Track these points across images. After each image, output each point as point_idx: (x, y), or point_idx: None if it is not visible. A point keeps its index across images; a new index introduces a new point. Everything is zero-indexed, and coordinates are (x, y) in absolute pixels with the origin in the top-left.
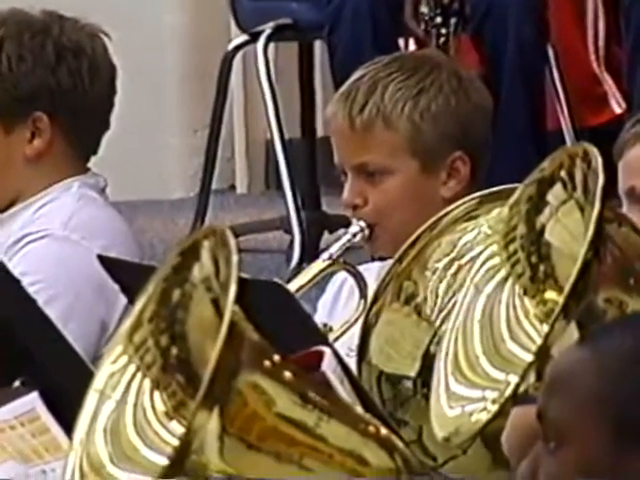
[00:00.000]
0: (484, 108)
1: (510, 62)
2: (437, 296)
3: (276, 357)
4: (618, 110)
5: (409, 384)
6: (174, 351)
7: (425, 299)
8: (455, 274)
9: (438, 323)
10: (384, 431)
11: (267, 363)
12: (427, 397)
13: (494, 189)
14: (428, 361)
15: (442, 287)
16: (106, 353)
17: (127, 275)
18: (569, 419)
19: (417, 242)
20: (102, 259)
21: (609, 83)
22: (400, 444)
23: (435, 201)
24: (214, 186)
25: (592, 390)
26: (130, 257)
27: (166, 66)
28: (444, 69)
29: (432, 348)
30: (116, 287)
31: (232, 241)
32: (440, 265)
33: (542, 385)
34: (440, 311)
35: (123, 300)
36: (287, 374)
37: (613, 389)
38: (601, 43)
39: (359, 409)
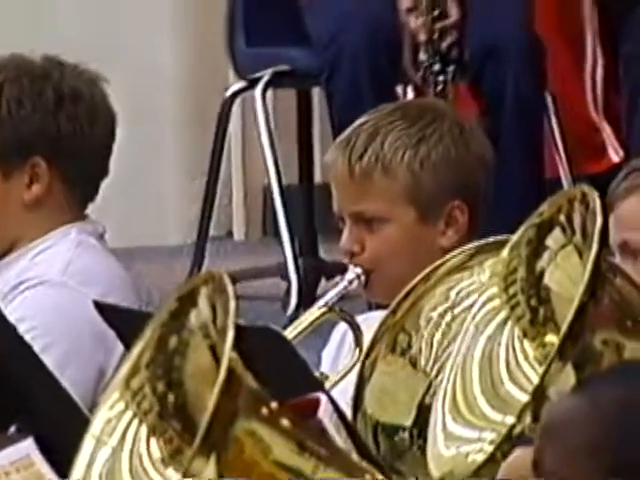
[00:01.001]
0: (484, 159)
1: (508, 110)
2: (432, 347)
3: (273, 404)
4: (616, 159)
5: (405, 435)
6: (171, 398)
7: (420, 350)
8: (450, 323)
9: (433, 374)
10: (380, 477)
11: (264, 410)
12: (423, 449)
13: (490, 240)
14: (423, 412)
15: (437, 337)
16: (103, 399)
17: (123, 322)
18: (564, 467)
19: (411, 293)
20: (98, 305)
21: (607, 131)
22: None
23: (433, 250)
24: (212, 233)
25: (586, 438)
26: (128, 304)
27: (164, 112)
28: (447, 119)
29: (427, 399)
30: (112, 334)
31: (230, 287)
32: (435, 315)
33: (537, 432)
34: (435, 362)
35: (121, 346)
36: (284, 421)
37: (606, 436)
38: (599, 91)
39: (355, 457)
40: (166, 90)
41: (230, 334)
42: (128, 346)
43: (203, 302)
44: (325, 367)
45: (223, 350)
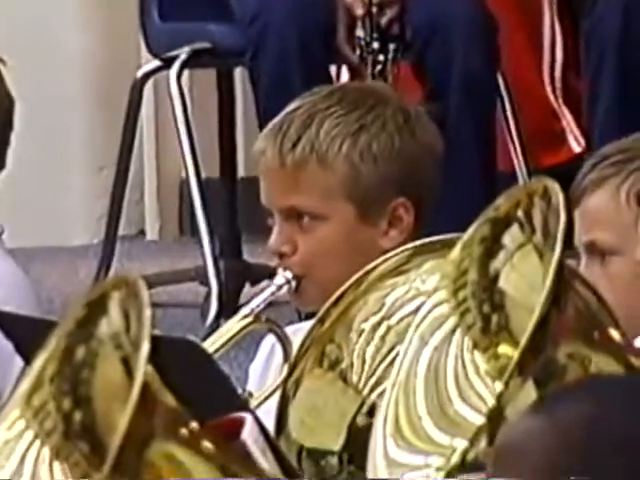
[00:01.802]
0: (433, 149)
1: (456, 93)
2: (364, 361)
3: (193, 424)
4: (577, 149)
5: (333, 460)
6: (78, 416)
7: (351, 364)
8: (384, 336)
9: (366, 391)
10: None
11: (183, 431)
12: (353, 474)
13: (428, 240)
14: (355, 434)
15: (370, 351)
16: (1, 418)
17: (23, 332)
18: None
19: (341, 300)
20: None
21: (567, 118)
22: None
23: (373, 252)
24: (121, 232)
25: (545, 462)
26: (29, 311)
27: (67, 95)
28: (390, 104)
29: (359, 419)
30: (9, 348)
31: (144, 293)
32: (367, 326)
33: (491, 454)
34: (368, 378)
35: (19, 362)
36: (206, 444)
37: (569, 460)
38: (558, 73)
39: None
40: (69, 70)
41: (145, 345)
42: (28, 359)
43: (114, 309)
44: (253, 384)
45: (137, 363)
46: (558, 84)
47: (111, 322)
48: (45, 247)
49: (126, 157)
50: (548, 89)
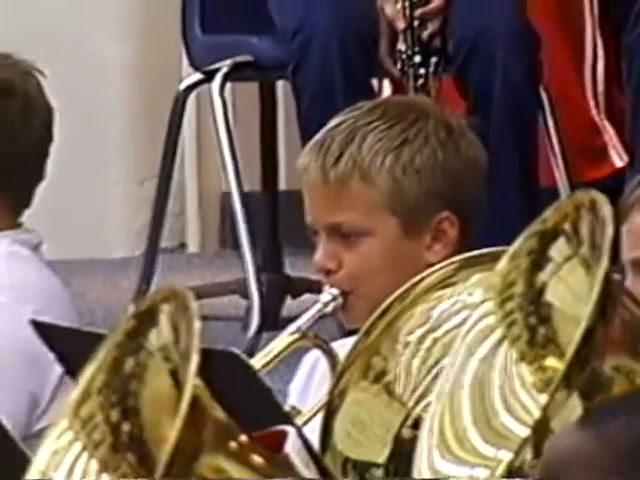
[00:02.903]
0: (476, 163)
1: (498, 107)
2: (410, 373)
3: (243, 438)
4: (619, 163)
5: (378, 472)
6: (126, 427)
7: (396, 377)
8: (430, 348)
9: (411, 403)
10: None
11: (233, 444)
12: None
13: (474, 253)
14: (400, 446)
15: (415, 363)
16: (50, 428)
17: (64, 342)
18: None
19: (387, 313)
20: (37, 324)
21: (609, 133)
22: None
23: (418, 266)
24: (162, 244)
25: (595, 478)
26: (67, 322)
27: (108, 107)
28: (432, 118)
29: (404, 431)
30: (50, 356)
31: (194, 305)
32: (413, 338)
33: (539, 468)
34: (413, 390)
35: (58, 370)
36: (255, 457)
37: (618, 476)
38: (600, 87)
39: None
40: (111, 83)
41: (194, 358)
42: (69, 370)
43: (164, 321)
44: (293, 401)
45: (186, 376)
46: (600, 98)
47: (160, 334)
48: (86, 260)
49: (168, 169)
50: (591, 104)
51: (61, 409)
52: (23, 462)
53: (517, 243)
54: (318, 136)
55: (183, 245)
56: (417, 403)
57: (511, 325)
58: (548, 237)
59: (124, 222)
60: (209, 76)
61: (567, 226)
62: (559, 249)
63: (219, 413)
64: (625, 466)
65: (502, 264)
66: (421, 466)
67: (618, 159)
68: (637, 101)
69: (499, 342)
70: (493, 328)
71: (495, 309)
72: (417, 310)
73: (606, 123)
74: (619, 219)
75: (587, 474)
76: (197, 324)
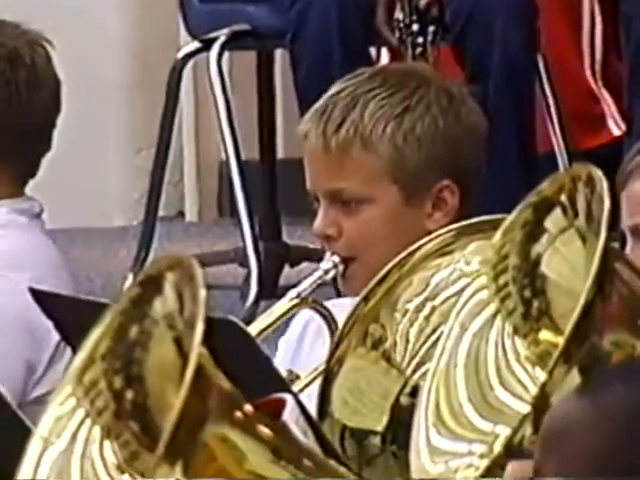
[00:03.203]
0: (477, 131)
1: (495, 75)
2: (408, 341)
3: (248, 407)
4: (617, 132)
5: (376, 440)
6: (129, 395)
7: (394, 344)
8: (428, 316)
9: (409, 371)
10: None
11: (238, 414)
12: (396, 455)
13: (472, 220)
14: (398, 414)
15: (413, 331)
16: (54, 393)
17: (62, 310)
18: (566, 475)
19: (385, 280)
20: (34, 292)
21: (607, 101)
22: None
23: (418, 234)
24: (160, 213)
25: (591, 446)
26: (64, 291)
27: (106, 77)
28: (433, 85)
29: (402, 399)
30: (47, 324)
31: (199, 274)
32: (411, 306)
33: (537, 439)
34: (411, 358)
35: (55, 338)
36: (260, 427)
37: (614, 445)
38: (598, 55)
39: (334, 464)
40: (109, 52)
41: (200, 326)
42: (67, 338)
43: (169, 289)
44: (283, 357)
45: (191, 344)
46: (598, 67)
47: (165, 302)
48: (85, 228)
49: (166, 139)
50: (588, 72)
51: (65, 374)
52: (19, 429)
53: (511, 215)
54: (319, 103)
55: (181, 214)
56: (415, 371)
57: (505, 298)
58: (544, 208)
59: (122, 191)
60: (207, 45)
61: (563, 197)
62: (555, 220)
63: (224, 382)
64: (621, 434)
65: (496, 237)
66: (418, 442)
67: (616, 127)
68: (635, 69)
69: (493, 316)
70: (487, 302)
71: (489, 283)
72: (415, 278)
73: (604, 91)
74: (618, 186)
75: (584, 442)
76: (202, 293)
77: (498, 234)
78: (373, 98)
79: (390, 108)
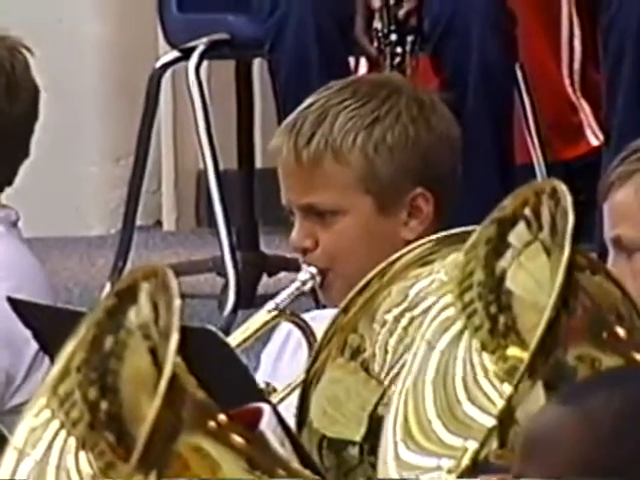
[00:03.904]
0: (449, 138)
1: (473, 85)
2: (387, 352)
3: (222, 417)
4: (595, 142)
5: (354, 451)
6: (104, 405)
7: (373, 354)
8: (407, 327)
9: (388, 382)
10: None
11: (211, 423)
12: (374, 466)
13: (452, 231)
14: (376, 424)
15: (392, 342)
16: (28, 404)
17: (40, 319)
18: None
19: (365, 290)
20: (12, 301)
21: (585, 111)
22: None
23: (395, 243)
24: (138, 222)
25: (577, 455)
26: (43, 300)
27: (84, 85)
28: (403, 94)
29: (380, 410)
30: (25, 333)
31: (174, 284)
32: (390, 317)
33: (519, 448)
34: (390, 368)
35: (34, 347)
36: (234, 436)
37: (601, 454)
38: (577, 65)
39: (309, 474)
40: (86, 61)
41: (175, 336)
42: (45, 347)
43: (144, 299)
44: (264, 370)
45: (166, 354)
46: (576, 77)
47: (140, 312)
48: (62, 237)
49: (144, 148)
50: (566, 82)
51: (39, 386)
52: None
53: (475, 233)
54: (290, 117)
55: (159, 223)
56: (393, 381)
57: (471, 315)
58: (507, 223)
59: (100, 200)
60: (185, 54)
61: (527, 211)
62: (519, 234)
63: (198, 392)
64: (605, 441)
65: (460, 256)
66: (387, 456)
67: (594, 138)
68: (613, 79)
69: (460, 333)
70: (453, 320)
71: (454, 300)
72: (395, 288)
73: (582, 101)
74: (600, 198)
75: (568, 449)
76: (177, 302)
77: (462, 252)
78: (343, 110)
79: (360, 119)
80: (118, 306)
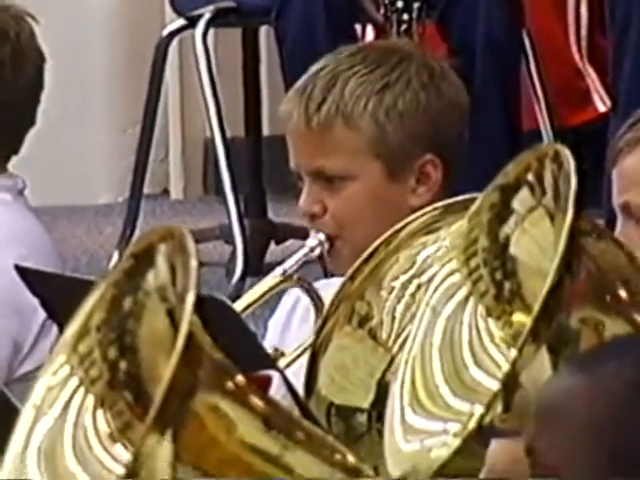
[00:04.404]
0: (458, 105)
1: (480, 52)
2: (394, 318)
3: (239, 377)
4: (602, 108)
5: (362, 418)
6: (123, 365)
7: (381, 322)
8: (414, 294)
9: (395, 349)
10: (351, 459)
11: (229, 383)
12: (382, 432)
13: (458, 198)
14: (383, 391)
15: (399, 308)
16: (47, 362)
17: (48, 288)
18: (563, 454)
19: (372, 258)
20: (20, 270)
21: (592, 77)
22: (369, 472)
23: (402, 210)
24: (146, 190)
25: (590, 423)
26: (50, 268)
27: (91, 54)
28: (413, 61)
29: (388, 377)
30: (33, 301)
31: (191, 245)
32: (397, 284)
33: (531, 416)
34: (397, 336)
35: (41, 315)
36: (251, 397)
37: (612, 419)
38: (584, 32)
39: (324, 435)
40: (94, 29)
41: (191, 296)
42: (53, 315)
43: (161, 261)
44: (272, 338)
45: (182, 313)
46: (583, 43)
47: (158, 274)
48: (70, 206)
49: (151, 116)
50: (573, 48)
51: (57, 344)
52: (5, 406)
53: (478, 199)
54: (300, 82)
55: (166, 191)
56: (401, 349)
57: (477, 281)
58: (510, 189)
59: (107, 168)
60: (192, 22)
61: (530, 176)
62: (522, 200)
63: (215, 352)
64: (616, 410)
65: (464, 221)
66: (393, 420)
67: (601, 104)
68: (620, 45)
69: (465, 299)
70: (458, 286)
71: (460, 266)
72: (401, 255)
73: (589, 67)
74: (608, 164)
75: (582, 417)
76: (194, 263)
77: (465, 219)
78: (353, 75)
79: (370, 85)
80: (136, 267)
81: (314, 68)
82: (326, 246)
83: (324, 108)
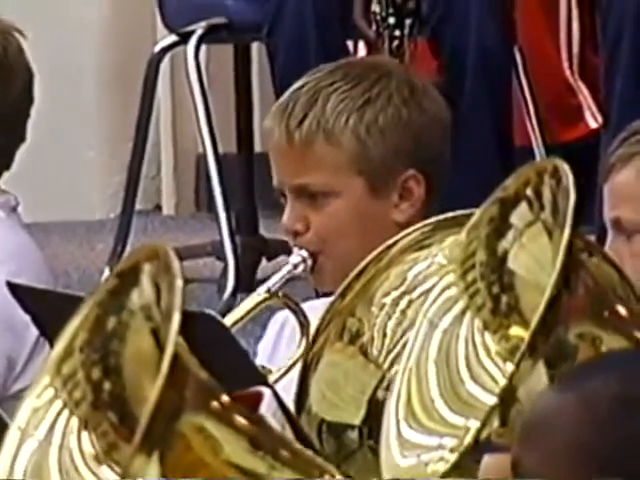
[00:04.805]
0: (441, 121)
1: (472, 68)
2: (385, 335)
3: (224, 397)
4: (594, 124)
5: (354, 434)
6: (107, 386)
7: (372, 338)
8: (405, 310)
9: (386, 365)
10: (339, 478)
11: (214, 404)
12: (374, 450)
13: (449, 214)
14: (375, 408)
15: (391, 325)
16: (31, 386)
17: (40, 304)
18: (546, 471)
19: (362, 274)
20: (12, 286)
21: (584, 93)
22: None
23: (386, 226)
24: (137, 207)
25: (575, 438)
26: (42, 285)
27: (83, 70)
28: (394, 77)
29: (380, 393)
30: (25, 318)
31: (176, 264)
32: (388, 300)
33: (517, 432)
34: (389, 352)
35: (34, 332)
36: (237, 417)
37: (599, 438)
38: (575, 48)
39: (311, 454)
40: (86, 45)
41: (176, 316)
42: (45, 332)
43: (146, 280)
44: (261, 361)
45: (168, 334)
46: (575, 59)
47: (142, 293)
48: (62, 222)
49: (143, 132)
50: (565, 65)
51: (41, 366)
52: None
53: (477, 212)
54: (281, 99)
55: (158, 207)
56: (392, 365)
57: (474, 295)
58: (509, 203)
59: (100, 185)
60: (184, 38)
61: (529, 191)
62: (520, 215)
63: (201, 372)
64: (601, 425)
65: (462, 235)
66: (389, 436)
67: (593, 120)
68: (612, 62)
69: (462, 313)
70: (455, 299)
71: (457, 280)
72: (392, 272)
73: (580, 83)
74: (600, 179)
75: (565, 433)
76: (179, 282)
77: (464, 232)
78: (334, 92)
79: (351, 101)
80: (120, 287)
81: (295, 85)
82: (309, 263)
83: (305, 124)
